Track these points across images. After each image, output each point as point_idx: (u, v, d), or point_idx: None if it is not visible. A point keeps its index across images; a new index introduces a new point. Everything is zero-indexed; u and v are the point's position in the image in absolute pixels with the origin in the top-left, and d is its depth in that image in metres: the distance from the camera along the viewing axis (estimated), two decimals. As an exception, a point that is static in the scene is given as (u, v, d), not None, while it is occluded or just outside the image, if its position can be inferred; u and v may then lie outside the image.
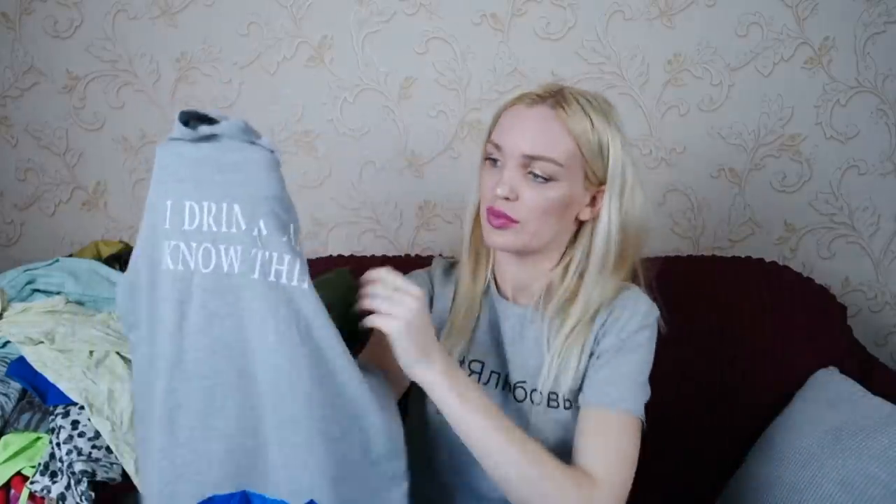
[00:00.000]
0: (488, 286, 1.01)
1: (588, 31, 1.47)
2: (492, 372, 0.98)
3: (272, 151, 0.77)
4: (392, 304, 0.79)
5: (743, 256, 1.43)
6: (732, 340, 1.31)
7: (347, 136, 1.56)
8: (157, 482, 0.78)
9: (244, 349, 0.77)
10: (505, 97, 0.96)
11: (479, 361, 0.98)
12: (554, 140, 0.88)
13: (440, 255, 1.15)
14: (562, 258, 0.97)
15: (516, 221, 0.89)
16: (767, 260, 1.41)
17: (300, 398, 0.76)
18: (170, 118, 1.56)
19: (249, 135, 0.76)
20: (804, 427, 1.18)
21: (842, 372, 1.28)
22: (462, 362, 0.98)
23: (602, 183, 0.92)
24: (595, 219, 0.94)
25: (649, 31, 1.47)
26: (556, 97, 0.89)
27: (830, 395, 1.22)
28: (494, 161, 0.92)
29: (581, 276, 0.95)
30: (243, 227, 0.76)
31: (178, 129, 0.78)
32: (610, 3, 1.46)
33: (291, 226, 0.77)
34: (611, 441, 0.87)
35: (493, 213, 0.90)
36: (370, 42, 1.51)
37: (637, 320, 0.93)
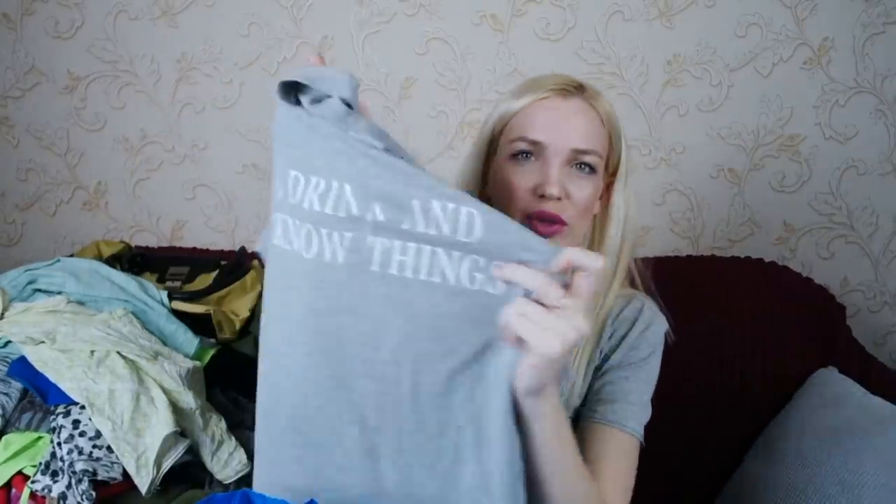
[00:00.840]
0: None
1: (588, 32, 1.48)
2: None
3: (378, 147, 0.63)
4: (560, 319, 0.60)
5: (742, 256, 1.43)
6: (732, 340, 1.32)
7: (347, 136, 1.56)
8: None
9: (345, 355, 0.66)
10: (516, 92, 0.90)
11: None
12: (596, 132, 0.85)
13: None
14: None
15: (566, 224, 0.82)
16: (767, 260, 1.41)
17: (411, 426, 0.66)
18: (170, 118, 1.58)
19: (348, 123, 0.63)
20: (803, 427, 1.18)
21: (841, 372, 1.28)
22: None
23: (613, 173, 0.90)
24: (605, 211, 0.91)
25: (649, 32, 1.47)
26: (582, 88, 0.87)
27: (829, 394, 1.22)
28: (526, 156, 0.84)
29: None
30: (355, 211, 0.63)
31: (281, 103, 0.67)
32: (609, 4, 1.46)
33: (415, 204, 0.62)
34: (630, 464, 0.85)
35: (544, 218, 0.82)
36: (370, 42, 1.51)
37: (647, 337, 0.90)
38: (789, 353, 1.31)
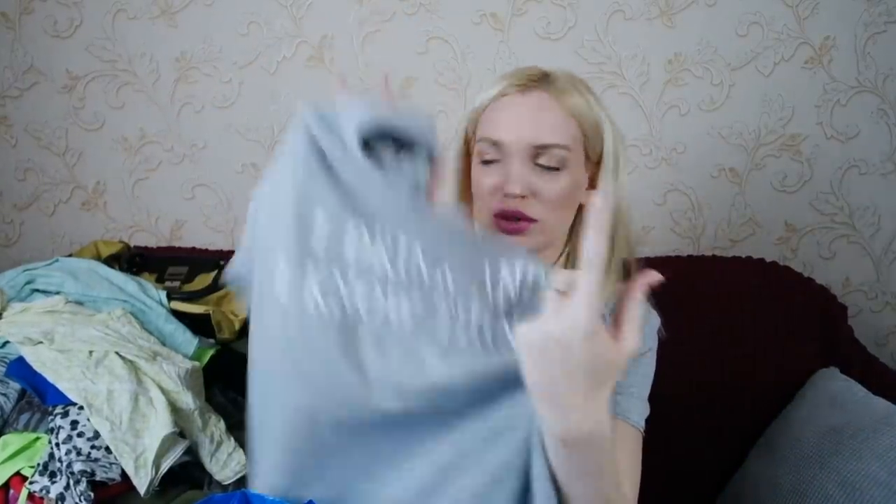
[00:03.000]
0: None
1: (588, 31, 1.47)
2: None
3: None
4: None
5: (743, 256, 1.43)
6: (732, 340, 1.31)
7: (347, 135, 1.56)
8: None
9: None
10: (484, 89, 0.89)
11: None
12: (559, 124, 0.82)
13: None
14: (563, 250, 0.91)
15: (534, 220, 0.82)
16: (768, 260, 1.41)
17: None
18: (169, 118, 1.57)
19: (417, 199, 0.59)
20: (805, 427, 1.18)
21: (842, 372, 1.28)
22: None
23: (599, 161, 0.88)
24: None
25: (649, 31, 1.47)
26: (545, 80, 0.85)
27: (831, 395, 1.22)
28: (490, 161, 0.84)
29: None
30: (425, 275, 0.59)
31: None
32: (610, 3, 1.46)
33: (486, 272, 0.58)
34: (637, 456, 0.86)
35: (507, 216, 0.82)
36: (370, 42, 1.51)
37: (645, 332, 0.89)
38: (790, 353, 1.30)
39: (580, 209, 0.88)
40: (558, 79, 0.85)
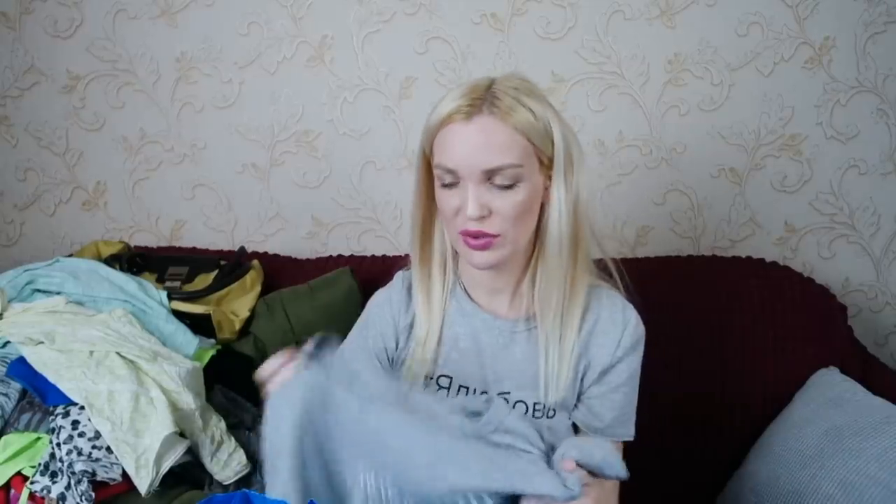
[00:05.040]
0: (459, 298, 0.97)
1: (588, 31, 1.47)
2: (460, 386, 0.94)
3: None
4: None
5: (743, 256, 1.43)
6: (732, 340, 1.31)
7: (347, 136, 1.56)
8: None
9: None
10: (435, 108, 0.90)
11: (447, 377, 0.95)
12: (507, 145, 0.83)
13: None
14: (533, 252, 0.93)
15: (496, 236, 0.86)
16: (768, 260, 1.41)
17: None
18: (169, 118, 1.57)
19: None
20: (804, 427, 1.18)
21: (842, 372, 1.28)
22: (430, 378, 0.95)
23: (552, 162, 0.89)
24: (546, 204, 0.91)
25: (649, 31, 1.47)
26: (487, 100, 0.85)
27: (831, 395, 1.22)
28: (449, 185, 0.87)
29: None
30: None
31: None
32: (610, 3, 1.46)
33: None
34: None
35: (471, 236, 0.86)
36: (370, 42, 1.51)
37: (630, 335, 0.92)
38: (790, 353, 1.30)
39: (543, 208, 0.90)
40: (501, 97, 0.85)
